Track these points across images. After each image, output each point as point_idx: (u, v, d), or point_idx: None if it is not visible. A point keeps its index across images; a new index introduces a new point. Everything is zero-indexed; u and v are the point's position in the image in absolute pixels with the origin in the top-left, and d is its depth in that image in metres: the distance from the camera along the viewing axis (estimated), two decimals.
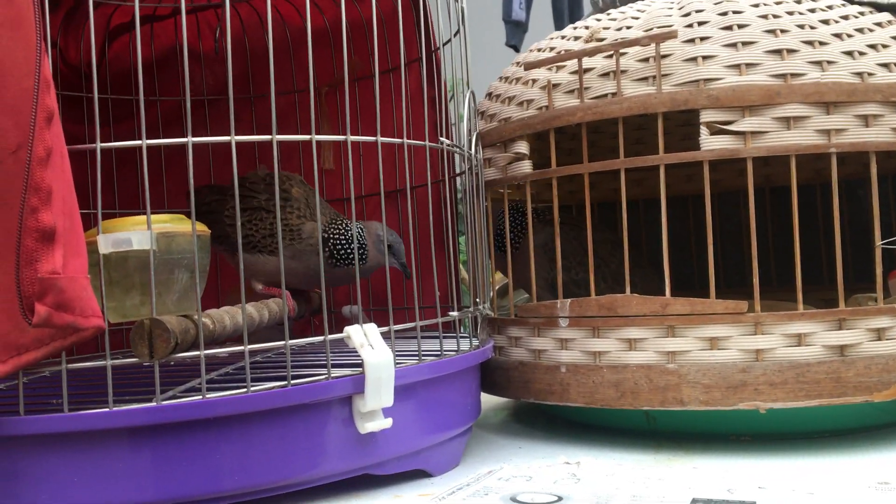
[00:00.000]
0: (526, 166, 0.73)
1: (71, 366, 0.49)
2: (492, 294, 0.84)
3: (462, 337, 0.67)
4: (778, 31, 0.64)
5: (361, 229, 0.76)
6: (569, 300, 0.69)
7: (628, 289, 0.67)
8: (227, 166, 0.76)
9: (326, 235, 0.74)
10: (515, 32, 2.37)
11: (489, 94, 0.80)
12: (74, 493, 0.48)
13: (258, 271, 0.75)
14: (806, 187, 0.95)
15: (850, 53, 0.64)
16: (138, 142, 0.50)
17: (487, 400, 0.87)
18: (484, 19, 2.24)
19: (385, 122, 0.88)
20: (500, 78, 0.80)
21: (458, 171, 0.80)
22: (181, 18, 0.93)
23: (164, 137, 0.53)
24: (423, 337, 0.60)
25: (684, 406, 0.63)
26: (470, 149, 0.71)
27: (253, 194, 0.75)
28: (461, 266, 1.08)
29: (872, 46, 0.65)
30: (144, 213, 0.51)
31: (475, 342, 0.68)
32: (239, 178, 0.79)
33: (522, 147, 0.73)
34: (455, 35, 0.75)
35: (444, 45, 0.76)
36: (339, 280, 0.77)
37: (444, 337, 0.63)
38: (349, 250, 0.74)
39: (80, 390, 0.55)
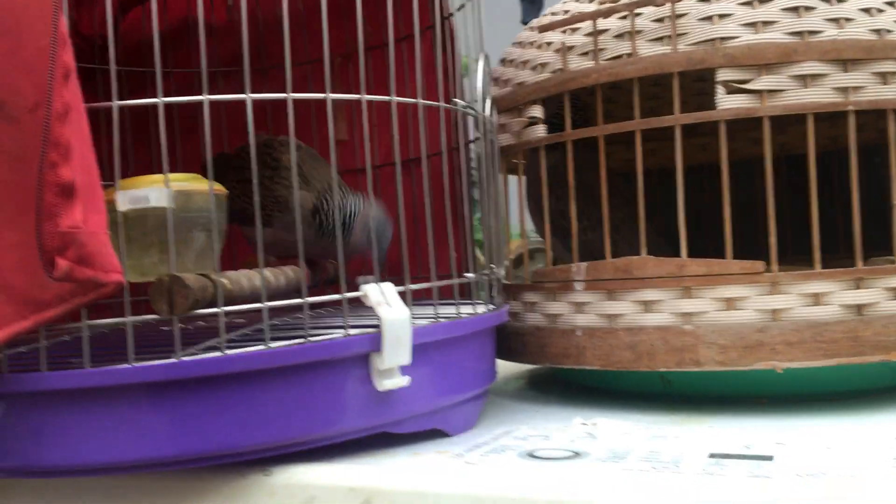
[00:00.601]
0: (540, 130, 0.72)
1: (91, 322, 0.49)
2: (507, 263, 0.84)
3: (478, 304, 0.67)
4: None
5: (358, 202, 0.72)
6: (584, 263, 0.69)
7: (644, 251, 0.67)
8: (239, 135, 0.77)
9: (318, 204, 0.72)
10: (531, 10, 2.36)
11: (503, 60, 0.80)
12: (96, 449, 0.49)
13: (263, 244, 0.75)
14: (822, 155, 0.94)
15: (867, 10, 0.63)
16: (154, 100, 0.50)
17: (503, 369, 0.87)
18: None
19: (399, 90, 0.87)
20: (514, 43, 0.79)
21: (472, 137, 0.80)
22: None
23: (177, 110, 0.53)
24: (438, 303, 0.60)
25: (700, 367, 0.63)
26: (484, 111, 0.71)
27: (246, 164, 0.74)
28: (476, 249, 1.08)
29: (890, 3, 0.64)
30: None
31: (491, 306, 0.68)
32: (236, 150, 0.80)
33: (537, 111, 0.72)
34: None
35: (457, 10, 0.76)
36: (331, 253, 0.75)
37: (461, 303, 0.63)
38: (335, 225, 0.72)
39: (99, 351, 0.56)
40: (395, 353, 0.54)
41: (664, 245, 0.86)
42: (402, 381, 0.55)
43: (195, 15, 0.94)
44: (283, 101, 0.54)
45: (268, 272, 0.65)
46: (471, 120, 0.76)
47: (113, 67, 0.49)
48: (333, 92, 0.92)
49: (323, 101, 0.56)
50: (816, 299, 0.62)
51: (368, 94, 0.89)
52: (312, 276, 0.79)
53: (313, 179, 0.74)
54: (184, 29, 0.94)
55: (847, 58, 0.62)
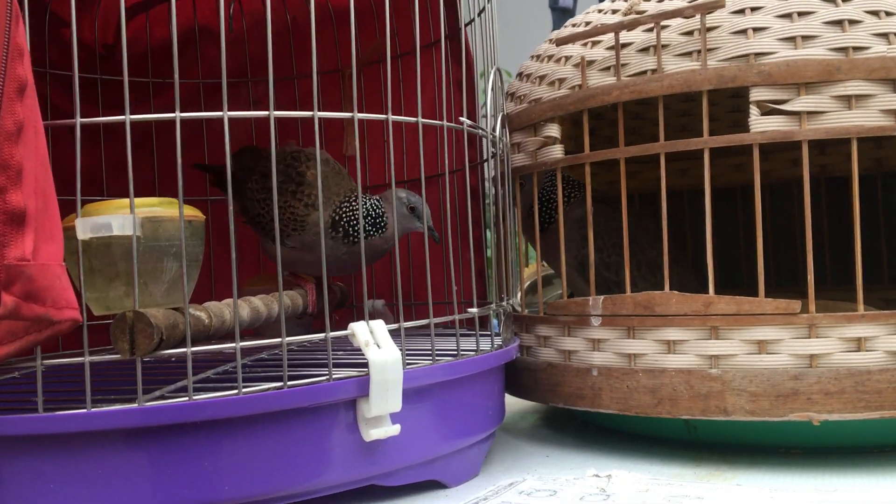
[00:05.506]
0: (557, 151, 0.67)
1: (47, 362, 0.45)
2: (519, 291, 0.78)
3: (483, 335, 0.62)
4: (838, 0, 0.58)
5: (378, 200, 0.69)
6: (601, 297, 0.63)
7: (667, 285, 0.61)
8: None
9: (337, 217, 0.68)
10: (563, 20, 2.29)
11: (519, 74, 0.74)
12: (51, 501, 0.44)
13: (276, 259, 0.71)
14: (865, 178, 0.88)
15: None
16: (122, 117, 0.45)
17: (517, 402, 0.82)
18: (530, 7, 2.17)
19: (410, 105, 0.83)
20: (532, 56, 0.74)
21: (484, 157, 0.75)
22: None
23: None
24: (444, 335, 0.55)
25: (728, 416, 0.57)
26: (494, 131, 0.65)
27: (270, 172, 0.70)
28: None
29: None
30: (164, 196, 0.47)
31: (498, 341, 0.63)
32: (271, 151, 0.76)
33: (553, 130, 0.67)
34: (480, 14, 0.70)
35: (466, 24, 0.71)
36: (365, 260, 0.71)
37: (463, 335, 0.58)
38: (364, 224, 0.68)
39: (73, 387, 0.51)
40: (384, 400, 0.48)
41: (692, 273, 0.80)
42: (391, 430, 0.49)
43: (202, 23, 0.91)
44: (311, 110, 0.51)
45: (258, 301, 0.61)
46: (480, 136, 0.70)
47: (76, 86, 0.45)
48: (343, 103, 0.89)
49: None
50: (859, 344, 0.56)
51: (383, 103, 0.85)
52: (320, 301, 0.74)
53: (332, 195, 0.69)
54: (189, 37, 0.90)
55: None
